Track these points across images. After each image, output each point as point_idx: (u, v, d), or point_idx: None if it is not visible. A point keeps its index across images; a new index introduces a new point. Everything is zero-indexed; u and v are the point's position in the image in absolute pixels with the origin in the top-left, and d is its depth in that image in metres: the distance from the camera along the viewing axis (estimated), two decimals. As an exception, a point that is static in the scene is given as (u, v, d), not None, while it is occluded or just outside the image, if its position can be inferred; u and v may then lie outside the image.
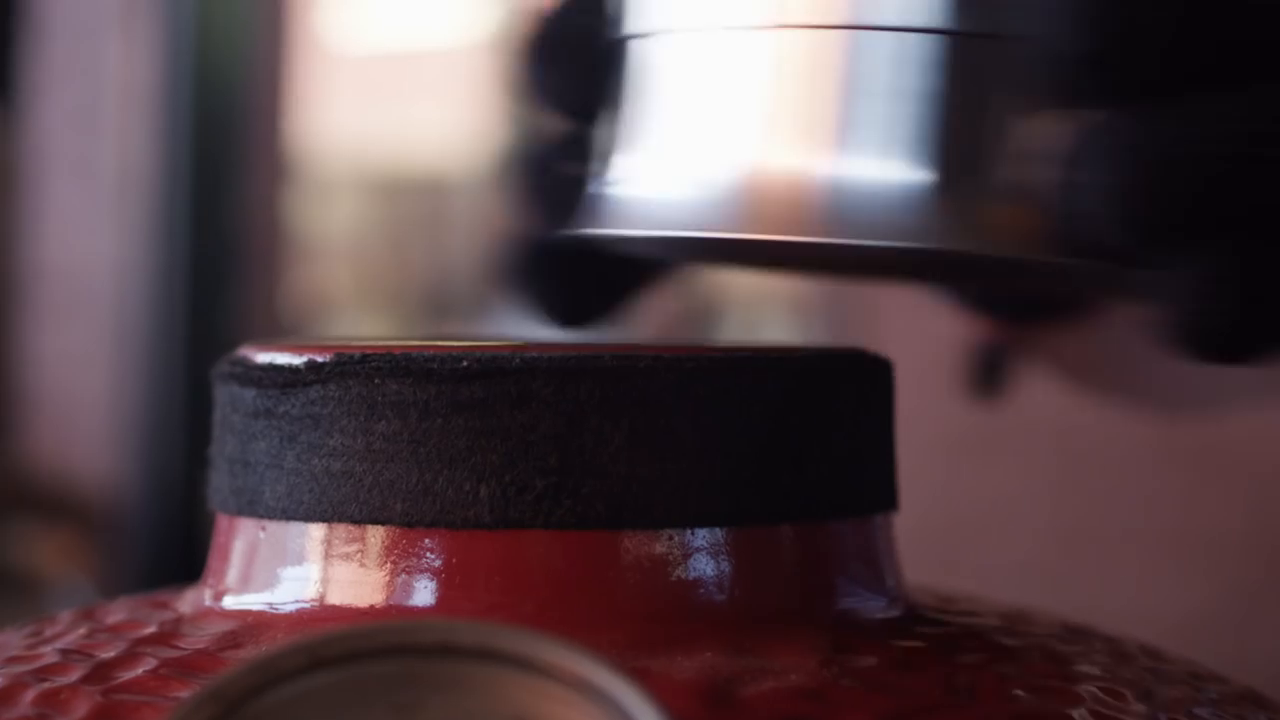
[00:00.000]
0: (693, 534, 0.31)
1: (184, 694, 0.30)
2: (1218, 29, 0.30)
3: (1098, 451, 0.88)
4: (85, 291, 2.18)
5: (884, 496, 0.34)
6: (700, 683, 0.29)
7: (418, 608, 0.31)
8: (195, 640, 0.32)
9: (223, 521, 0.34)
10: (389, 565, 0.31)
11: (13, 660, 0.32)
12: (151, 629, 0.33)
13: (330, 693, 0.26)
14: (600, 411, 0.31)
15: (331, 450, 0.32)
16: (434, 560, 0.31)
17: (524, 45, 0.35)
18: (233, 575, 0.34)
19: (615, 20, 0.35)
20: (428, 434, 0.31)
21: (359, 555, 0.32)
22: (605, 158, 0.35)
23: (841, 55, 0.32)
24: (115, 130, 1.93)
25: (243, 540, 0.33)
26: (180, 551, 1.90)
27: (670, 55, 0.34)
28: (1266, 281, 0.30)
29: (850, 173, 0.32)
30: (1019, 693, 0.30)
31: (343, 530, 0.32)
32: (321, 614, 0.32)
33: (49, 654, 0.32)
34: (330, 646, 0.26)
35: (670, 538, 0.31)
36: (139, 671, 0.31)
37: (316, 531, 0.32)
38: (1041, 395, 0.54)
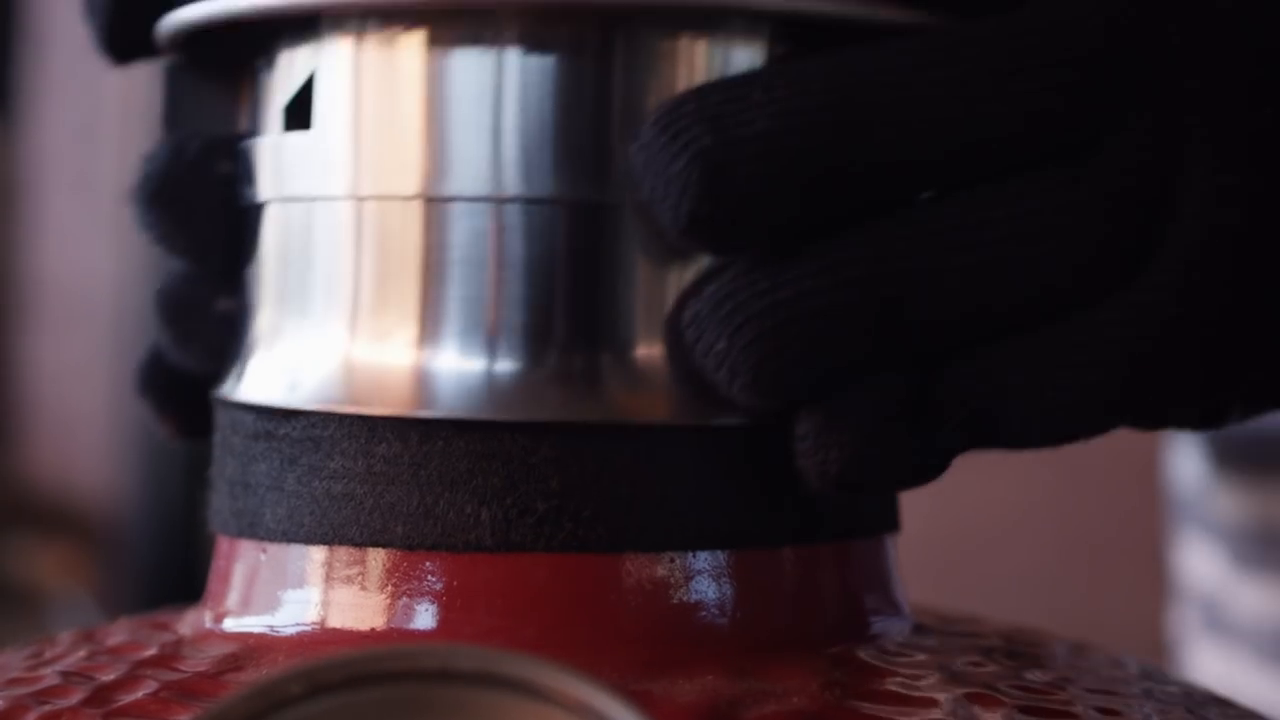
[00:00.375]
0: (694, 557, 0.31)
1: (185, 718, 0.30)
2: (831, 184, 0.30)
3: (1097, 465, 0.88)
4: (84, 304, 2.19)
5: (886, 517, 0.34)
6: (702, 706, 0.29)
7: (419, 631, 0.31)
8: (196, 663, 0.32)
9: (223, 544, 0.34)
10: (390, 588, 0.31)
11: (13, 682, 0.32)
12: (152, 651, 0.33)
13: (331, 718, 0.26)
14: (601, 434, 0.31)
15: (332, 473, 0.32)
16: (435, 583, 0.31)
17: (133, 190, 0.35)
18: (233, 597, 0.33)
19: (222, 175, 0.35)
20: (429, 457, 0.31)
21: (360, 578, 0.32)
22: (227, 305, 0.35)
23: (430, 228, 0.31)
24: (115, 144, 1.94)
25: (243, 562, 0.33)
26: (179, 564, 1.90)
27: (269, 220, 0.34)
28: (880, 423, 0.30)
29: (442, 355, 0.31)
30: (1023, 717, 0.30)
31: (344, 553, 0.32)
32: (322, 637, 0.32)
33: (50, 676, 0.32)
34: (332, 672, 0.26)
35: (672, 561, 0.31)
36: (140, 694, 0.31)
37: (317, 554, 0.32)
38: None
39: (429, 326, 0.31)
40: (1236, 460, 0.59)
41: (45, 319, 2.23)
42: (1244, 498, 0.59)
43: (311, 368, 0.32)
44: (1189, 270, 0.32)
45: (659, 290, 0.31)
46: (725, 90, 0.30)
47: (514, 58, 0.31)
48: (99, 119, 2.08)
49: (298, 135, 0.33)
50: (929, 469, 0.31)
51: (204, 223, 0.35)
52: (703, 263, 0.31)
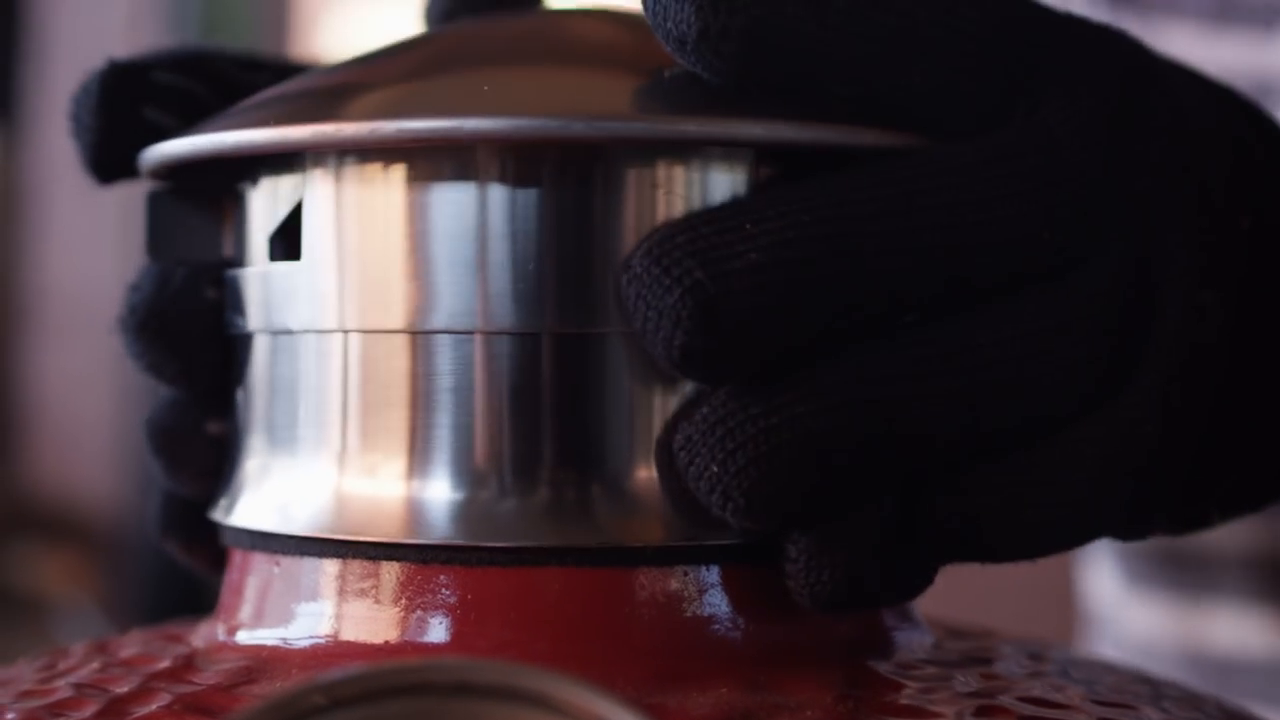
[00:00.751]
0: (707, 570, 0.31)
1: (199, 731, 0.30)
2: (822, 313, 0.30)
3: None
4: (88, 312, 2.18)
5: None
6: (715, 718, 0.29)
7: (432, 644, 0.31)
8: (209, 676, 0.32)
9: (236, 556, 0.34)
10: (404, 601, 0.31)
11: (26, 694, 0.32)
12: (165, 663, 0.33)
13: (348, 732, 0.26)
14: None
15: None
16: (449, 597, 0.31)
17: (120, 320, 0.35)
18: (246, 610, 0.34)
19: (209, 303, 0.35)
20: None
21: (373, 591, 0.32)
22: (221, 435, 0.35)
23: (417, 360, 0.31)
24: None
25: (256, 575, 0.33)
26: (183, 571, 1.90)
27: (257, 349, 0.34)
28: (870, 548, 0.30)
29: (434, 483, 0.31)
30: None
31: (357, 566, 0.32)
32: (336, 650, 0.32)
33: (63, 688, 0.32)
34: (349, 685, 0.26)
35: (685, 574, 0.31)
36: (153, 707, 0.31)
37: (330, 567, 0.32)
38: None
39: (418, 456, 0.31)
40: None
41: (49, 327, 2.23)
42: None
43: (302, 498, 0.32)
44: (1169, 389, 0.32)
45: (647, 415, 0.31)
46: (716, 221, 0.30)
47: (496, 192, 0.31)
48: (103, 127, 2.07)
49: (284, 266, 0.33)
50: (916, 586, 0.31)
51: (193, 351, 0.35)
52: (690, 388, 0.31)
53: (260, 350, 0.34)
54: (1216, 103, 0.35)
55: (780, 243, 0.30)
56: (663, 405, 0.31)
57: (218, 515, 0.34)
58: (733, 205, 0.30)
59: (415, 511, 0.31)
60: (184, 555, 0.37)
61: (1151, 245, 0.32)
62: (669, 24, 0.30)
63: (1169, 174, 0.33)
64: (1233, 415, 0.33)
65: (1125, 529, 0.34)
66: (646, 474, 0.31)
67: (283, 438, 0.33)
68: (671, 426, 0.31)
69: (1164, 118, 0.33)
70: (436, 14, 0.39)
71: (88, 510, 2.16)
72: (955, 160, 0.31)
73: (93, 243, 2.07)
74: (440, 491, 0.31)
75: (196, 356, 0.35)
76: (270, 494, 0.33)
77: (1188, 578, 0.57)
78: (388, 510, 0.31)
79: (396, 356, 0.32)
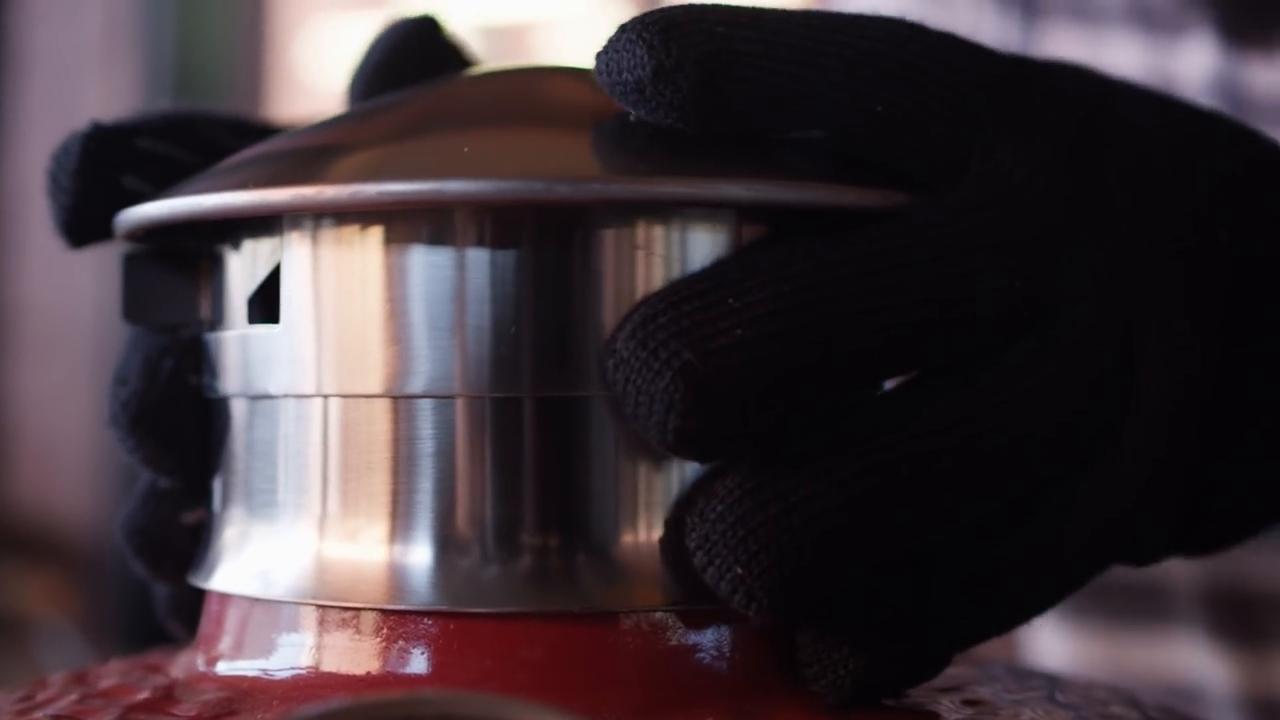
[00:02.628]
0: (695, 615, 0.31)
1: (179, 765, 0.29)
2: (814, 381, 0.30)
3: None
4: (66, 329, 2.18)
5: None
6: (700, 749, 0.29)
7: (413, 676, 0.31)
8: (189, 707, 0.32)
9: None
10: (384, 633, 0.31)
11: (5, 727, 0.32)
12: (144, 695, 0.33)
13: (330, 767, 0.25)
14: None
15: None
16: (430, 628, 0.31)
17: (112, 417, 0.35)
18: (226, 641, 0.33)
19: (196, 389, 0.34)
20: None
21: (354, 622, 0.31)
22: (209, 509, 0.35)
23: (397, 425, 0.31)
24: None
25: (237, 607, 0.33)
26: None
27: (235, 414, 0.33)
28: (893, 637, 0.30)
29: (415, 549, 0.31)
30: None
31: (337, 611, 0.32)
32: (316, 681, 0.32)
33: (40, 720, 0.32)
34: (333, 718, 0.25)
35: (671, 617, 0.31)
36: (133, 739, 0.31)
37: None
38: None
39: (400, 521, 0.31)
40: None
41: (27, 345, 2.22)
42: None
43: (283, 563, 0.32)
44: (1158, 438, 0.32)
45: (631, 479, 0.31)
46: (698, 297, 0.30)
47: (474, 255, 0.31)
48: (79, 144, 2.07)
49: (262, 330, 0.33)
50: (935, 665, 0.31)
51: (188, 441, 0.34)
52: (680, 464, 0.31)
53: (239, 414, 0.33)
54: (1184, 125, 0.35)
55: (765, 315, 0.29)
56: (647, 470, 0.31)
57: (197, 580, 0.34)
58: (713, 276, 0.30)
59: (397, 577, 0.31)
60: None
61: (1124, 286, 0.32)
62: (624, 74, 0.30)
63: (1135, 210, 0.33)
64: (1223, 449, 0.34)
65: (1126, 562, 0.34)
66: (631, 539, 0.31)
67: (262, 502, 0.33)
68: (678, 515, 0.30)
69: (1126, 154, 0.33)
70: (359, 91, 0.38)
71: (66, 530, 2.15)
72: (925, 218, 0.31)
73: (71, 260, 2.07)
74: (422, 557, 0.31)
75: (191, 445, 0.34)
76: (250, 559, 0.33)
77: (1118, 607, 0.57)
78: (369, 576, 0.31)
79: (377, 421, 0.31)
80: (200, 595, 0.35)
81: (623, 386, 0.30)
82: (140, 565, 0.36)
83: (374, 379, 0.31)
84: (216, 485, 0.34)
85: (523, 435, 0.31)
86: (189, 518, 0.35)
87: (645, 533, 0.31)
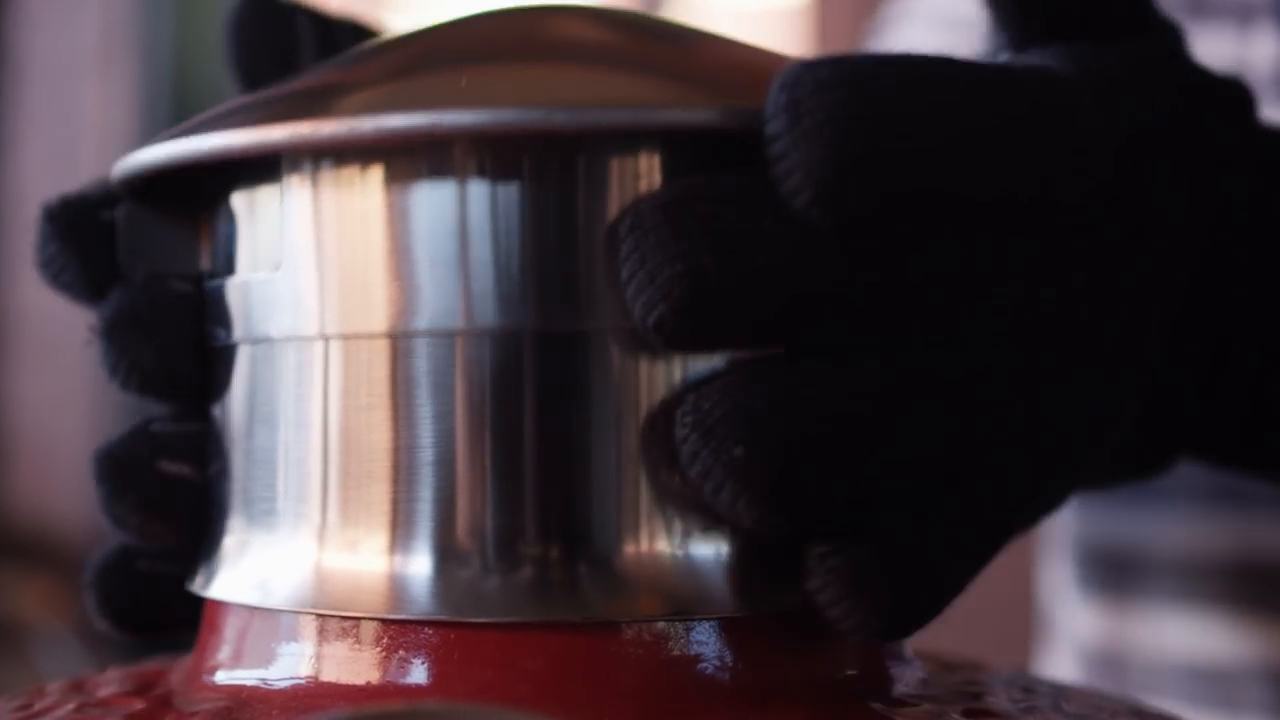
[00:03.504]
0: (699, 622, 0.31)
1: (178, 776, 0.29)
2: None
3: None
4: (63, 335, 2.18)
5: None
6: (702, 759, 0.29)
7: (413, 686, 0.31)
8: (187, 716, 0.32)
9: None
10: (384, 643, 0.31)
11: (2, 736, 0.32)
12: (142, 704, 0.33)
13: (330, 779, 0.25)
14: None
15: None
16: (430, 637, 0.31)
17: (94, 329, 0.34)
18: (225, 650, 0.33)
19: (183, 298, 0.34)
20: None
21: (354, 632, 0.31)
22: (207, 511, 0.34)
23: (396, 368, 0.31)
24: (93, 174, 1.93)
25: (235, 615, 0.33)
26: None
27: (240, 360, 0.33)
28: (910, 564, 0.28)
29: (415, 558, 0.31)
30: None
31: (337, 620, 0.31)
32: (315, 691, 0.31)
33: (39, 729, 0.32)
34: (331, 732, 0.25)
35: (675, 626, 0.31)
36: (131, 749, 0.31)
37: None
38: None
39: (401, 529, 0.31)
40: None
41: (24, 351, 2.22)
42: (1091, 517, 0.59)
43: (283, 572, 0.32)
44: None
45: (635, 486, 0.30)
46: (736, 200, 0.28)
47: (475, 189, 0.30)
48: (77, 148, 2.07)
49: (264, 274, 0.32)
50: (945, 598, 0.30)
51: (171, 344, 0.34)
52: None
53: (241, 362, 0.33)
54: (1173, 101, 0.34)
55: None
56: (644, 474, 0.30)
57: (195, 588, 0.34)
58: (751, 182, 0.29)
59: (397, 586, 0.31)
60: (102, 613, 0.35)
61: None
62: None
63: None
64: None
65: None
66: (634, 547, 0.30)
67: (261, 510, 0.32)
68: (666, 411, 0.29)
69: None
70: (244, 79, 0.38)
71: (64, 535, 2.15)
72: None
73: (67, 265, 2.07)
74: (422, 566, 0.31)
75: (175, 350, 0.34)
76: (250, 568, 0.33)
77: (1123, 579, 0.57)
78: (369, 585, 0.31)
79: (377, 366, 0.31)
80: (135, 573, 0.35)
81: (629, 253, 0.28)
82: (102, 494, 0.34)
83: (377, 317, 0.31)
84: (215, 492, 0.34)
85: (523, 380, 0.30)
86: (168, 466, 0.34)
87: (647, 542, 0.30)
